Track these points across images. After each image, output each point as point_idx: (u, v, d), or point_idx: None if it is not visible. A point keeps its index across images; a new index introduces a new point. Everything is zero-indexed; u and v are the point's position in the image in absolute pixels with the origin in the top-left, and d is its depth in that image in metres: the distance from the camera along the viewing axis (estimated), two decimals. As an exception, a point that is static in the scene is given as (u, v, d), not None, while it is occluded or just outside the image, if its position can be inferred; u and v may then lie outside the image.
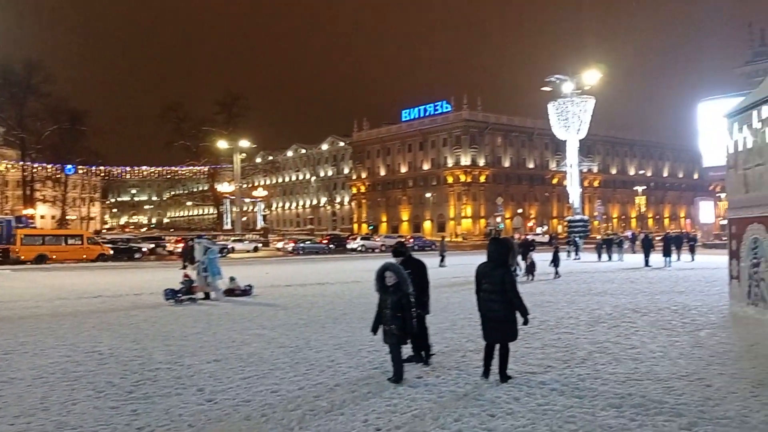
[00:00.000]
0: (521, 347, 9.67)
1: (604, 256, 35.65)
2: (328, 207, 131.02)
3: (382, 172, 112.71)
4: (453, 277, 23.50)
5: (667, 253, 29.73)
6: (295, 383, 7.66)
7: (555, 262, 23.86)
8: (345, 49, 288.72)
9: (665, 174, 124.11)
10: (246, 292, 18.25)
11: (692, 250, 35.39)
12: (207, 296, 17.38)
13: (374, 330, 7.58)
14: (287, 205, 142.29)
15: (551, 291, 18.44)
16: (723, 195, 52.97)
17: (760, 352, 9.08)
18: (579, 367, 8.30)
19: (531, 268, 22.13)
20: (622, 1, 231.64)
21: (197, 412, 6.52)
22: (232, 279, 18.55)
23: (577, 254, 38.82)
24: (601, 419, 6.05)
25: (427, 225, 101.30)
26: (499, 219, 67.21)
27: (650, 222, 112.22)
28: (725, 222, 22.04)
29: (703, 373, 7.85)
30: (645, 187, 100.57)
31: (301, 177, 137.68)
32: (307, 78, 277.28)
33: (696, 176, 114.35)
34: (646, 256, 29.79)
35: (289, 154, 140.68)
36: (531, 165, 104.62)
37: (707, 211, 63.63)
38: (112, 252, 44.75)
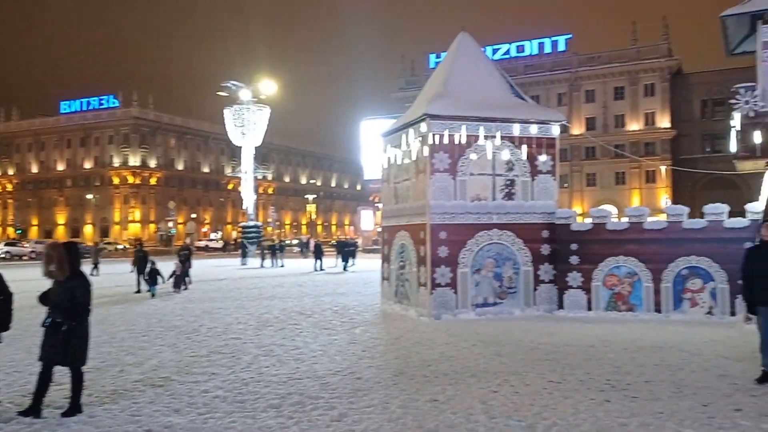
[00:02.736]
0: (186, 357, 9.40)
1: (268, 262, 36.81)
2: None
3: (35, 169, 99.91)
4: (115, 286, 21.83)
5: (344, 258, 32.38)
6: None
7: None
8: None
9: (333, 184, 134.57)
10: None
11: (353, 255, 38.82)
12: None
13: None
14: None
15: (222, 297, 18.39)
16: (380, 205, 59.40)
17: (403, 344, 10.31)
18: (244, 371, 8.37)
19: (180, 279, 20.24)
20: (292, 15, 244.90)
21: None
22: None
23: (244, 260, 39.58)
24: (261, 421, 6.17)
25: (89, 229, 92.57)
26: (171, 224, 64.71)
27: (319, 229, 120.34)
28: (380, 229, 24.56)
29: (356, 367, 8.58)
30: (315, 196, 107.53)
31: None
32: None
33: (359, 187, 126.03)
34: (317, 260, 31.98)
35: None
36: (206, 169, 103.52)
37: (368, 220, 70.61)
38: None
